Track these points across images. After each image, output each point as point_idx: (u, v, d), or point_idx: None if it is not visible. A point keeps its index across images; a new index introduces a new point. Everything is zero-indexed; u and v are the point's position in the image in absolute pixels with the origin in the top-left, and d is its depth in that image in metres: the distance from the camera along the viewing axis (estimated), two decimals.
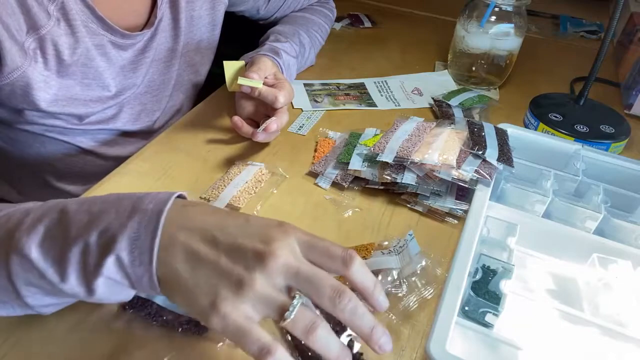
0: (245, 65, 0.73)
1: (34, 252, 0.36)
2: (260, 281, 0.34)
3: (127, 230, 0.36)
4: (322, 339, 0.34)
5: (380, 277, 0.50)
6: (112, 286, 0.37)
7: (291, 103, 0.83)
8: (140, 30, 0.68)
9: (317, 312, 0.36)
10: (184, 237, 0.36)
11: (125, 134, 0.75)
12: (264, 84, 0.68)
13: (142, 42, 0.69)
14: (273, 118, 0.67)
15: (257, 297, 0.34)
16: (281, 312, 0.34)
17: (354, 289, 0.36)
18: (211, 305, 0.34)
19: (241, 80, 0.67)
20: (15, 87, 0.57)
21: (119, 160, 0.74)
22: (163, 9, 0.70)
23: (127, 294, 0.39)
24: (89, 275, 0.36)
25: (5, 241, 0.38)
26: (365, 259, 0.51)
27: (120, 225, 0.36)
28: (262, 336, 0.33)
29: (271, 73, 0.72)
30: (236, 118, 0.69)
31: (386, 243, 0.54)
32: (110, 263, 0.35)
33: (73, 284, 0.36)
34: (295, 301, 0.34)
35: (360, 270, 0.36)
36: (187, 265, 0.35)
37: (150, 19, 0.70)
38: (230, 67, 0.71)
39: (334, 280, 0.35)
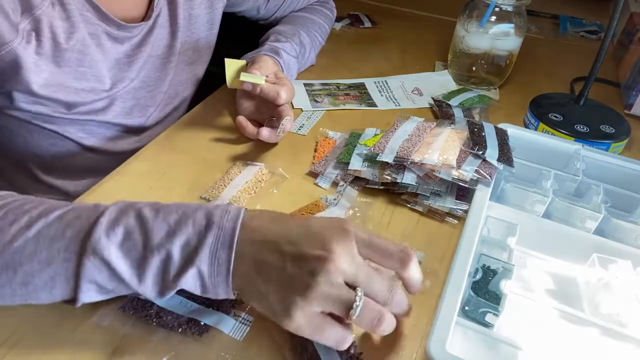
0: (247, 65, 0.73)
1: (114, 254, 0.39)
2: (323, 284, 0.37)
3: (206, 243, 0.39)
4: (387, 328, 0.40)
5: None
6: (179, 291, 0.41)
7: (291, 103, 0.83)
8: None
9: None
10: (253, 249, 0.40)
11: (117, 129, 0.74)
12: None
13: (139, 36, 0.69)
14: (287, 117, 0.67)
15: (323, 298, 0.37)
16: (347, 309, 0.38)
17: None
18: (284, 311, 0.38)
19: (243, 77, 0.66)
20: (5, 64, 0.57)
21: (109, 155, 0.74)
22: (161, 3, 0.70)
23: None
24: (168, 282, 0.40)
25: (79, 238, 0.40)
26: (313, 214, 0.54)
27: (199, 239, 0.40)
28: (335, 331, 0.39)
29: (272, 72, 0.72)
30: (241, 118, 0.69)
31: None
32: (190, 274, 0.39)
33: (149, 287, 0.40)
34: (357, 300, 0.37)
35: (414, 272, 0.42)
36: (258, 275, 0.39)
37: (147, 13, 0.70)
38: (231, 65, 0.71)
39: (386, 282, 0.40)
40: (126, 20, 0.66)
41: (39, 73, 0.59)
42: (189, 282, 0.40)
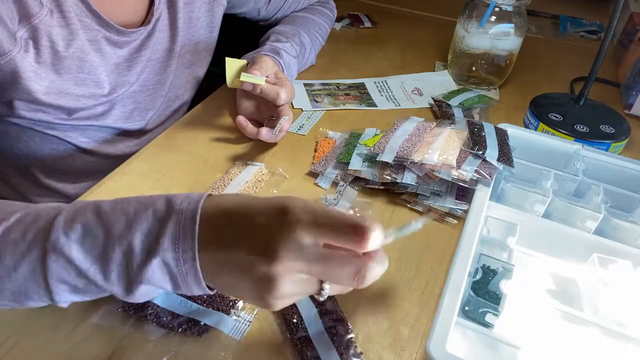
0: (247, 64, 0.73)
1: (75, 251, 0.38)
2: (281, 293, 0.36)
3: (167, 230, 0.37)
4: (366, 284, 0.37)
5: None
6: (150, 290, 0.39)
7: (291, 103, 0.83)
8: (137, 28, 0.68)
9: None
10: (215, 245, 0.37)
11: (116, 132, 0.74)
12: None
13: (139, 40, 0.69)
14: (285, 117, 0.67)
15: (288, 297, 0.37)
16: (317, 293, 0.37)
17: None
18: (259, 300, 0.36)
19: (244, 77, 0.66)
20: (4, 74, 0.57)
21: (109, 158, 0.73)
22: (161, 8, 0.70)
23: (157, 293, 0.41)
24: (132, 275, 0.38)
25: (39, 240, 0.39)
26: None
27: (160, 227, 0.38)
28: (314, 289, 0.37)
29: (272, 72, 0.72)
30: (241, 118, 0.69)
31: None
32: (156, 265, 0.37)
33: (114, 283, 0.38)
34: (324, 293, 0.37)
35: (375, 247, 0.36)
36: (224, 269, 0.37)
37: (147, 17, 0.70)
38: (231, 64, 0.71)
39: (348, 265, 0.36)
40: (125, 25, 0.66)
41: (39, 81, 0.59)
42: (156, 274, 0.38)
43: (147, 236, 0.38)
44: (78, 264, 0.38)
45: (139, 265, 0.37)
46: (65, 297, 0.40)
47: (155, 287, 0.39)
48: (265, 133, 0.67)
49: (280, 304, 0.37)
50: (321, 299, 0.37)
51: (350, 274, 0.36)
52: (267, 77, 0.70)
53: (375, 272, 0.37)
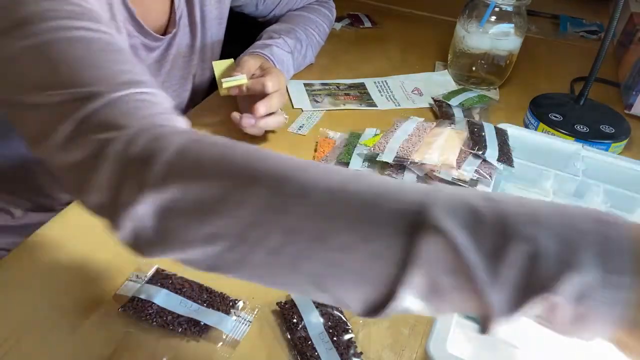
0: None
1: (459, 235, 0.28)
2: None
3: (602, 242, 0.27)
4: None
5: None
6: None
7: (291, 103, 0.83)
8: (164, 30, 0.70)
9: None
10: None
11: None
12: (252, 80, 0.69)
13: (167, 41, 0.71)
14: (260, 102, 0.67)
15: None
16: None
17: None
18: None
19: (225, 84, 0.67)
20: None
21: None
22: (181, 7, 0.72)
23: None
24: (533, 286, 0.27)
25: (406, 212, 0.29)
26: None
27: (593, 236, 0.28)
28: None
29: (256, 67, 0.73)
30: (235, 114, 0.69)
31: None
32: (570, 280, 0.27)
33: (500, 289, 0.27)
34: None
35: None
36: None
37: (170, 18, 0.71)
38: (219, 67, 0.71)
39: None
40: (156, 27, 0.68)
41: None
42: (567, 290, 0.27)
43: (562, 241, 0.28)
44: (462, 251, 0.27)
45: (549, 275, 0.27)
46: (407, 297, 0.30)
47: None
48: (244, 120, 0.67)
49: None
50: None
51: None
52: (253, 74, 0.71)
53: None
